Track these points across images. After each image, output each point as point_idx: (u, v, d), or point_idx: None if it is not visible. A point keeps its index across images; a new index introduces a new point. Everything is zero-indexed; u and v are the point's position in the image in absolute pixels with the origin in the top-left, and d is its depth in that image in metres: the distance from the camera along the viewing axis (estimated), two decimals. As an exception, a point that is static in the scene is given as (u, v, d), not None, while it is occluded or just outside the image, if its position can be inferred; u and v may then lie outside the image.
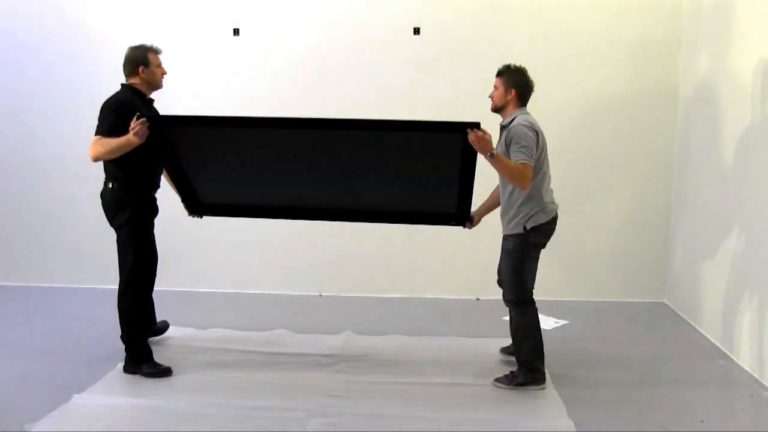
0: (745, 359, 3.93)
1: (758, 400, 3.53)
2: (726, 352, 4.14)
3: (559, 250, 5.27)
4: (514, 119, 3.52)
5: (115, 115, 3.52)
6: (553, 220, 3.64)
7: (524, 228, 3.54)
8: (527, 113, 3.58)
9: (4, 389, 3.58)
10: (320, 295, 5.42)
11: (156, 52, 3.74)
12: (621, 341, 4.40)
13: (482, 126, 3.26)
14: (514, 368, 3.68)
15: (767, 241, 3.72)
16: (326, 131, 3.58)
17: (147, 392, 3.53)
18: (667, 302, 5.22)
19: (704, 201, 4.56)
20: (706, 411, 3.41)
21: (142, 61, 3.67)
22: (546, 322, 4.73)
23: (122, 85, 3.74)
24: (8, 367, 3.88)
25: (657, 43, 5.04)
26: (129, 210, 3.70)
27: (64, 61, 5.39)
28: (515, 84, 3.55)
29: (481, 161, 3.39)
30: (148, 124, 3.37)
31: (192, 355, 4.07)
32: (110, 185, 3.71)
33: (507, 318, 3.90)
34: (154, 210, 3.92)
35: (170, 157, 3.71)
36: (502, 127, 3.61)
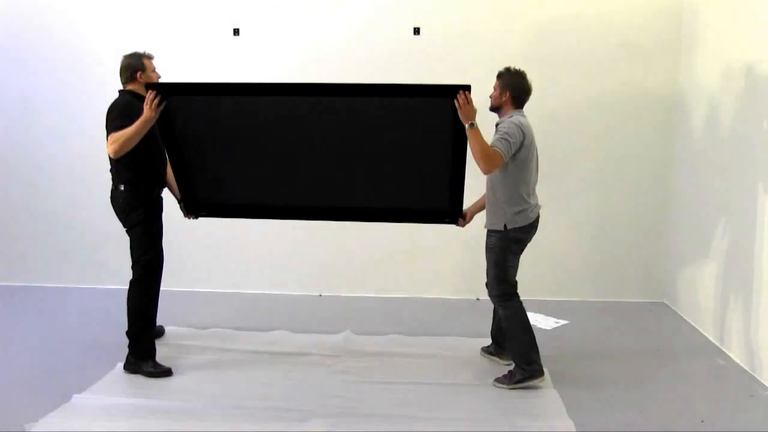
0: (745, 359, 3.93)
1: (758, 399, 3.53)
2: (726, 351, 4.14)
3: (558, 250, 5.31)
4: (508, 118, 3.61)
5: (122, 115, 3.62)
6: (535, 222, 3.72)
7: (505, 227, 3.64)
8: (523, 115, 3.65)
9: (4, 389, 3.58)
10: (320, 295, 5.42)
11: (149, 57, 3.84)
12: (621, 341, 4.40)
13: (481, 124, 3.30)
14: (512, 367, 3.70)
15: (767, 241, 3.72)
16: (321, 98, 3.67)
17: (147, 392, 3.53)
18: (667, 302, 5.22)
19: (704, 201, 4.57)
20: (706, 411, 3.41)
21: (139, 67, 3.77)
22: (546, 322, 4.73)
23: (120, 91, 3.83)
24: (8, 366, 3.89)
25: (656, 43, 5.04)
26: (142, 209, 3.81)
27: (65, 62, 5.39)
28: (511, 87, 3.64)
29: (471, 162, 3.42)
30: (158, 94, 3.48)
31: (192, 355, 4.07)
32: (120, 187, 3.80)
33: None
34: (161, 207, 4.01)
35: (175, 146, 3.79)
36: (497, 125, 3.68)
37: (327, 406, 3.39)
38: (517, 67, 3.68)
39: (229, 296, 5.35)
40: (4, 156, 5.55)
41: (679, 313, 4.95)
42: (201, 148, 3.83)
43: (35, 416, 3.20)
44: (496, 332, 3.99)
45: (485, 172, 3.53)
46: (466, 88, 3.37)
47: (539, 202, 3.78)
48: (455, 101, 3.36)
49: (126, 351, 3.82)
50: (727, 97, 4.25)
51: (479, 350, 4.11)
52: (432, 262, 5.39)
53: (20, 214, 5.60)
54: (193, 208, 4.09)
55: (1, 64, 5.47)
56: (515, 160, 3.56)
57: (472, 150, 3.45)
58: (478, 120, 3.39)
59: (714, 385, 3.81)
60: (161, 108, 3.49)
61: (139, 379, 3.70)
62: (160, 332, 4.32)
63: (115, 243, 5.35)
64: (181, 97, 3.63)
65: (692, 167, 4.80)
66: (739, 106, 4.10)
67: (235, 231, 5.40)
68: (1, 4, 5.41)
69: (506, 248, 3.67)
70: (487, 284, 3.83)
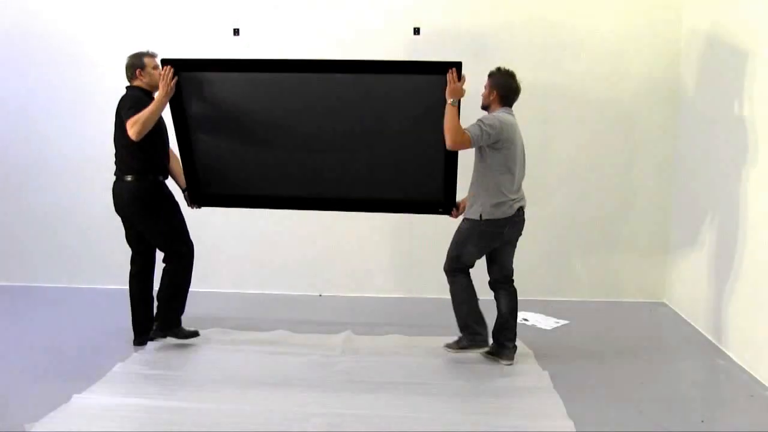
0: (744, 359, 3.93)
1: (758, 399, 3.53)
2: (726, 351, 4.14)
3: (558, 250, 5.31)
4: (492, 114, 3.82)
5: (136, 104, 3.86)
6: (514, 217, 3.83)
7: (480, 216, 3.78)
8: (509, 114, 3.80)
9: (4, 389, 3.58)
10: (320, 295, 5.42)
11: (152, 56, 4.05)
12: (621, 341, 4.40)
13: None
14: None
15: None
16: (322, 84, 3.97)
17: (147, 392, 3.53)
18: (667, 302, 5.22)
19: (705, 201, 4.57)
20: (705, 411, 3.41)
21: (138, 65, 3.99)
22: (546, 322, 4.74)
23: (127, 87, 4.04)
24: (9, 367, 3.89)
25: (657, 41, 5.04)
26: (153, 198, 4.03)
27: (65, 62, 5.39)
28: (498, 86, 3.81)
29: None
30: (173, 69, 3.81)
31: (191, 355, 4.07)
32: (127, 178, 3.98)
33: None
34: (173, 199, 4.21)
35: (185, 128, 4.04)
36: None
37: (327, 405, 3.39)
38: (507, 68, 3.83)
39: (229, 296, 5.35)
40: (4, 156, 5.55)
41: (679, 313, 4.95)
42: (207, 128, 4.07)
43: (35, 416, 3.19)
44: (497, 331, 4.00)
45: (449, 147, 3.69)
46: (457, 65, 3.62)
47: (524, 201, 3.89)
48: (447, 77, 3.64)
49: (126, 351, 3.82)
50: (727, 97, 4.24)
51: (479, 349, 4.11)
52: (432, 261, 5.36)
53: (20, 214, 5.60)
54: (197, 198, 4.27)
55: (2, 65, 5.48)
56: (495, 153, 3.71)
57: (444, 124, 3.63)
58: (472, 114, 3.45)
59: (714, 385, 3.81)
60: (174, 81, 3.81)
61: (138, 380, 3.69)
62: (195, 333, 4.27)
63: (115, 243, 5.34)
64: (192, 76, 3.90)
65: (693, 167, 4.80)
66: (739, 107, 4.10)
67: (235, 231, 5.41)
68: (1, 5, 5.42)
69: (473, 235, 3.85)
70: (490, 283, 4.04)
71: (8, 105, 5.49)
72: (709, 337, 4.39)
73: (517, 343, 4.14)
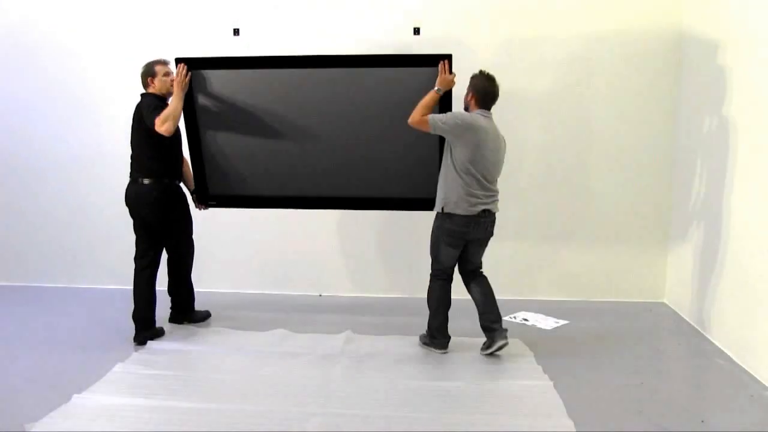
0: (745, 359, 3.93)
1: (758, 400, 3.53)
2: (726, 351, 4.14)
3: (558, 249, 5.31)
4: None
5: (157, 106, 4.08)
6: (479, 217, 3.89)
7: (442, 209, 3.92)
8: (485, 116, 3.90)
9: (4, 389, 3.58)
10: (320, 295, 5.43)
11: (164, 63, 4.26)
12: (621, 341, 4.40)
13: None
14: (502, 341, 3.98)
15: None
16: (321, 82, 4.17)
17: (147, 392, 3.53)
18: (667, 302, 5.22)
19: (705, 201, 4.56)
20: (706, 411, 3.41)
21: (150, 73, 4.20)
22: (546, 322, 4.74)
23: (142, 94, 4.24)
24: (9, 366, 3.89)
25: (657, 40, 5.04)
26: (169, 199, 4.26)
27: (65, 63, 5.39)
28: (474, 89, 3.94)
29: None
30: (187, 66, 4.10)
31: (191, 355, 4.07)
32: (145, 181, 4.17)
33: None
34: (186, 201, 4.49)
35: (194, 126, 4.31)
36: None
37: (327, 406, 3.39)
38: (488, 72, 3.94)
39: (229, 296, 5.35)
40: (3, 156, 5.55)
41: (679, 313, 4.95)
42: (216, 127, 4.31)
43: (35, 416, 3.19)
44: (481, 320, 4.08)
45: (408, 122, 3.87)
46: (447, 57, 3.87)
47: (492, 205, 3.94)
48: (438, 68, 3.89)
49: (126, 351, 3.82)
50: (728, 96, 4.25)
51: (479, 350, 4.11)
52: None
53: (20, 214, 5.60)
54: (204, 198, 4.50)
55: (2, 65, 5.48)
56: (459, 151, 3.80)
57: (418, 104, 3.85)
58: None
59: (714, 385, 3.81)
60: (189, 77, 4.11)
61: (139, 379, 3.69)
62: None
63: (115, 243, 5.36)
64: (202, 75, 4.16)
65: (693, 166, 4.80)
66: (739, 107, 4.10)
67: (235, 231, 5.41)
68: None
69: (442, 233, 3.97)
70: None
71: (9, 105, 5.50)
72: (709, 337, 4.39)
73: (518, 342, 4.15)
